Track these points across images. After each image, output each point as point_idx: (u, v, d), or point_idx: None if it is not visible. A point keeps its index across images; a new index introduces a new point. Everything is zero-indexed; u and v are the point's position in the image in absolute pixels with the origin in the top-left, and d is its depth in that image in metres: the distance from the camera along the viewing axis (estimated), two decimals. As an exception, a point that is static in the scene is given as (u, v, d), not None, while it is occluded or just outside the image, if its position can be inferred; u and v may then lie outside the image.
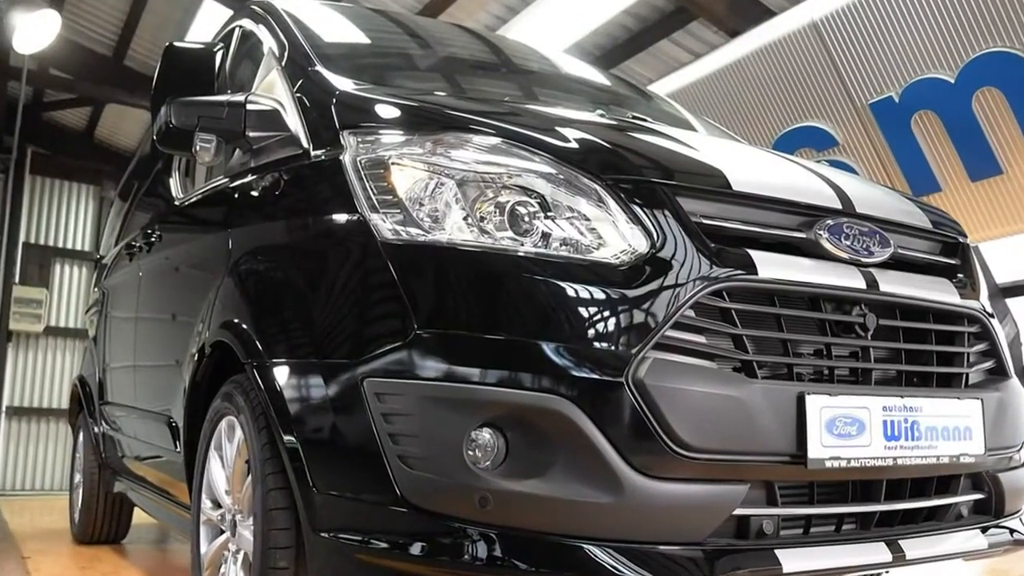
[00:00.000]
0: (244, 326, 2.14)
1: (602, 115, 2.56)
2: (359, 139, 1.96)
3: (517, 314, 1.70)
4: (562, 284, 1.72)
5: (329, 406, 1.82)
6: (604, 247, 1.77)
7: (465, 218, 1.78)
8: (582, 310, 1.70)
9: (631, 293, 1.72)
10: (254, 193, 2.36)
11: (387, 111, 2.05)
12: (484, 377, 1.66)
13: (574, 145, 1.89)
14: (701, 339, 1.74)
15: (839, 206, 2.03)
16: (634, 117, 2.70)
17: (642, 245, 1.76)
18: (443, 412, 1.66)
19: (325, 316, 1.90)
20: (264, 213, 2.31)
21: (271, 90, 2.41)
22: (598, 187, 1.81)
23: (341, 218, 1.94)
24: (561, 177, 1.81)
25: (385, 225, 1.82)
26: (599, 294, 1.72)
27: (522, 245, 1.76)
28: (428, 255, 1.77)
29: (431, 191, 1.83)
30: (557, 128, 1.94)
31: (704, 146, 2.13)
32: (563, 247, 1.77)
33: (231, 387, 2.19)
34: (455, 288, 1.73)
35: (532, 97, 2.94)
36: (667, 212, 1.81)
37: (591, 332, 1.69)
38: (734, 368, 1.77)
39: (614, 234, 1.78)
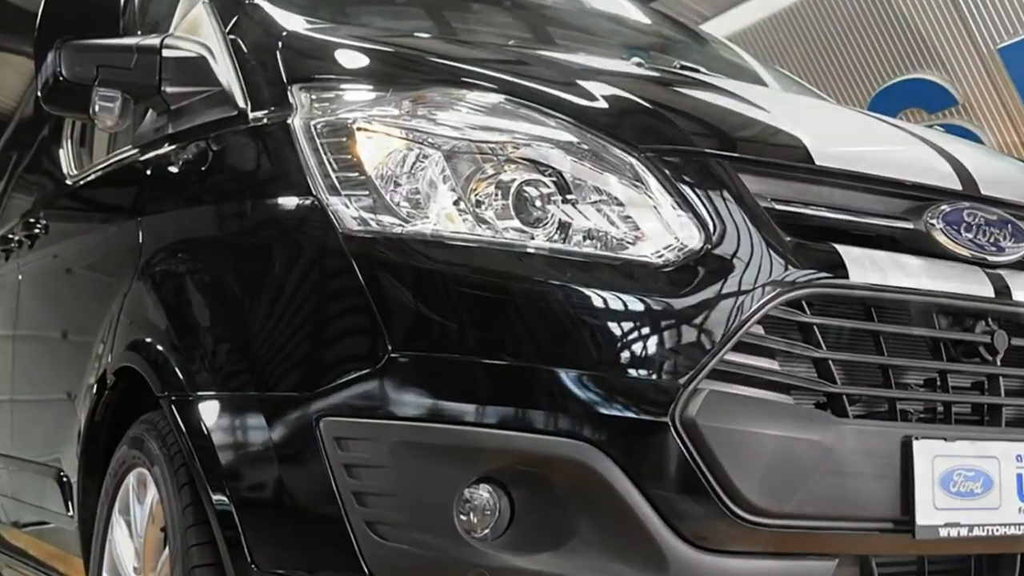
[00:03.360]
0: (159, 347, 2.14)
1: (640, 64, 2.57)
2: (314, 96, 1.96)
3: (526, 332, 1.70)
4: (586, 291, 1.72)
5: (273, 455, 1.81)
6: (642, 241, 1.78)
7: (456, 202, 1.78)
8: (613, 326, 1.70)
9: (678, 303, 1.72)
10: (173, 169, 2.36)
11: (351, 59, 2.05)
12: (481, 416, 1.67)
13: (602, 105, 1.89)
14: (772, 364, 1.74)
15: (958, 187, 2.03)
16: (682, 67, 2.70)
17: (693, 239, 1.77)
18: (426, 463, 1.66)
19: (268, 334, 1.89)
20: (186, 196, 2.31)
21: (195, 31, 2.41)
22: (634, 161, 1.82)
23: (289, 202, 1.93)
24: (585, 147, 1.82)
25: (348, 212, 1.81)
26: (636, 304, 1.72)
27: (532, 239, 1.75)
28: (406, 252, 1.76)
29: (410, 166, 1.82)
30: (579, 82, 1.94)
31: (777, 106, 2.14)
32: (587, 241, 1.77)
33: (142, 429, 2.18)
34: (442, 297, 1.73)
35: (546, 41, 2.94)
36: (727, 194, 1.82)
37: (625, 356, 1.69)
38: (817, 404, 1.77)
39: (656, 224, 1.79)
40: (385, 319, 1.73)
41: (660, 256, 1.77)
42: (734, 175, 1.84)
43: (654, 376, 1.68)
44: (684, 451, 1.64)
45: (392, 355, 1.71)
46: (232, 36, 2.27)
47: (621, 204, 1.80)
